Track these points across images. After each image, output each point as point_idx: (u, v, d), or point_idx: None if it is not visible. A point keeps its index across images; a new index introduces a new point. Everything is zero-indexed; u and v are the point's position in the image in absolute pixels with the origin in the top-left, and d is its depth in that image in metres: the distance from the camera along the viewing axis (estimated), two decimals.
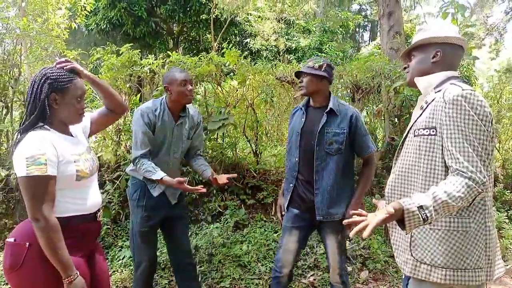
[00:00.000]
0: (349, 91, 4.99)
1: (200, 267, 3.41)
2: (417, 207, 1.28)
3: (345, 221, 1.47)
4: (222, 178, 2.46)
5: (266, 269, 3.42)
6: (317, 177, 2.35)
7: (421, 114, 1.58)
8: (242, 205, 4.24)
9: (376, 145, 5.18)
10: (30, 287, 1.53)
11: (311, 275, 3.42)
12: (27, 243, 1.51)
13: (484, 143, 1.39)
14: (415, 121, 1.61)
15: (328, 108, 2.37)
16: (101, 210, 1.79)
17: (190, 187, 2.31)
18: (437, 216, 1.31)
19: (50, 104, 1.59)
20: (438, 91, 1.55)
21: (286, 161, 2.56)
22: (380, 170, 4.87)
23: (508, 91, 5.84)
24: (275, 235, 3.83)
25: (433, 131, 1.49)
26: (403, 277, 1.70)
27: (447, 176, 1.42)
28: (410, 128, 1.63)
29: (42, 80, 1.58)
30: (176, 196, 2.58)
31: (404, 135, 1.67)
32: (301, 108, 2.52)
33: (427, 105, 1.57)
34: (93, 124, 1.88)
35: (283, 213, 2.56)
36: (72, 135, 1.71)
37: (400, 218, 1.30)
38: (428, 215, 1.28)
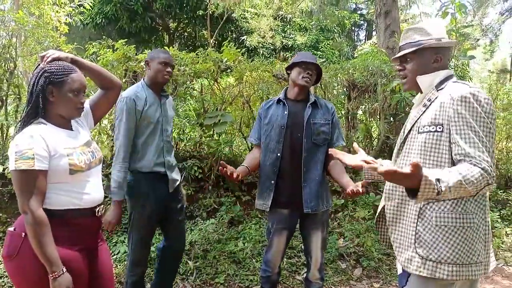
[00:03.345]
0: (345, 89, 5.00)
1: (195, 262, 3.41)
2: (435, 178, 1.26)
3: (366, 167, 1.35)
4: None
5: (261, 265, 3.43)
6: (305, 169, 2.34)
7: (424, 111, 1.59)
8: (237, 202, 4.25)
9: (371, 144, 5.21)
10: (22, 277, 1.55)
11: (305, 272, 3.43)
12: (23, 233, 1.52)
13: (490, 140, 1.43)
14: (418, 119, 1.61)
15: (313, 100, 2.40)
16: (103, 206, 1.77)
17: (110, 228, 2.31)
18: (448, 195, 1.29)
19: (47, 97, 1.59)
20: (440, 89, 1.58)
21: (263, 158, 2.43)
22: None
23: (503, 92, 5.91)
24: None
25: (439, 128, 1.50)
26: (399, 274, 1.71)
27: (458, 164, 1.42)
28: (412, 126, 1.63)
29: (40, 74, 1.59)
30: (175, 184, 2.58)
31: (405, 133, 1.67)
32: (280, 101, 2.44)
33: (430, 103, 1.58)
34: (94, 110, 1.86)
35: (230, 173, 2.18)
36: (71, 129, 1.71)
37: (413, 185, 1.25)
38: (443, 189, 1.26)
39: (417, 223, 1.54)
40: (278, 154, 2.37)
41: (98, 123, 4.09)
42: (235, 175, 2.14)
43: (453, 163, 1.46)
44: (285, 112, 2.39)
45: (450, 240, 1.47)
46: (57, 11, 4.72)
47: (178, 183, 2.61)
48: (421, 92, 1.67)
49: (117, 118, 2.37)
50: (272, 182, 2.38)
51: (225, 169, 2.09)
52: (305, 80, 2.34)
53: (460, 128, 1.44)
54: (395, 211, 1.65)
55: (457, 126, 1.44)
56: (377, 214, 1.78)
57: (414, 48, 1.62)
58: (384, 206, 1.71)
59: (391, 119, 4.91)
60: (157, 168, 2.45)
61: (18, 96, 4.19)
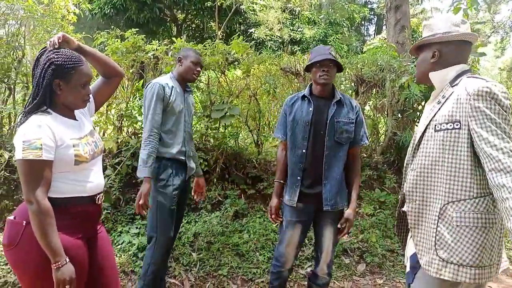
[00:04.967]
0: (353, 84, 4.96)
1: (199, 254, 3.43)
2: None
3: None
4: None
5: (264, 258, 3.44)
6: (326, 167, 2.34)
7: (440, 108, 1.55)
8: (242, 195, 4.25)
9: (378, 139, 5.17)
10: (23, 266, 1.55)
11: (309, 266, 3.44)
12: (24, 222, 1.52)
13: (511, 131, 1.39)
14: (433, 116, 1.56)
15: (338, 98, 2.37)
16: (102, 194, 1.78)
17: (146, 205, 2.42)
18: None
19: (54, 89, 1.58)
20: (454, 85, 1.54)
21: (290, 154, 2.43)
22: (381, 165, 4.87)
23: None
24: (274, 225, 3.84)
25: (457, 125, 1.46)
26: (406, 272, 1.69)
27: (495, 176, 1.32)
28: (428, 123, 1.58)
29: (47, 65, 1.56)
30: (192, 172, 2.78)
31: (421, 131, 1.62)
32: (305, 98, 2.42)
33: (445, 100, 1.54)
34: (96, 98, 1.86)
35: (279, 217, 2.53)
36: (76, 119, 1.70)
37: None
38: None
39: (437, 224, 1.49)
40: (304, 151, 2.36)
41: (105, 113, 4.11)
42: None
43: (472, 161, 1.43)
44: (310, 109, 2.36)
45: (472, 241, 1.42)
46: (66, 0, 4.72)
47: (193, 172, 2.80)
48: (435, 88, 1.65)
49: (145, 103, 2.52)
50: (298, 178, 2.38)
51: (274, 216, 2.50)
52: (324, 78, 2.31)
53: (481, 122, 1.39)
54: (417, 212, 1.60)
55: (477, 120, 1.39)
56: (396, 218, 1.75)
57: (416, 45, 1.68)
58: (401, 209, 1.67)
59: (399, 115, 4.86)
60: (178, 155, 2.61)
61: (26, 85, 4.20)
